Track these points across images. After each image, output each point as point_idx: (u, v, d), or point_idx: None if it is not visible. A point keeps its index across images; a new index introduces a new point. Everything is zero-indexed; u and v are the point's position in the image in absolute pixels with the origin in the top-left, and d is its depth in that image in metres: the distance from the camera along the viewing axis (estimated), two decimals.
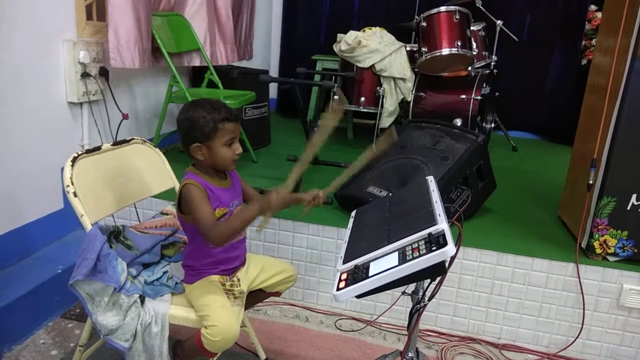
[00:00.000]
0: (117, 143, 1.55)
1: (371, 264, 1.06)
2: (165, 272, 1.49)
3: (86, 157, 1.40)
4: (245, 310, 1.50)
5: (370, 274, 1.02)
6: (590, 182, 1.89)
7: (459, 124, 3.01)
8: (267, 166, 2.88)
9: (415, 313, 1.22)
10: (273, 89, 4.24)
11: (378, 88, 3.21)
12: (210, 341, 1.28)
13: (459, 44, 3.09)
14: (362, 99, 3.25)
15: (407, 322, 1.25)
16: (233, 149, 1.35)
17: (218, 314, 1.31)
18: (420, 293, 1.22)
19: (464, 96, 3.10)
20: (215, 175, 1.39)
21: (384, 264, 1.03)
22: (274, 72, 4.60)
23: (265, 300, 1.66)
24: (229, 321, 1.30)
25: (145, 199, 1.65)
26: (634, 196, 1.84)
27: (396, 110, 3.26)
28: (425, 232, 1.04)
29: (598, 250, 1.91)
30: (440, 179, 2.03)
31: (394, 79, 3.20)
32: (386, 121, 3.23)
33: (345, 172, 1.45)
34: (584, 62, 3.94)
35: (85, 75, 2.19)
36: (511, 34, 3.49)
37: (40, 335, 1.83)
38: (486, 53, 3.44)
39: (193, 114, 1.31)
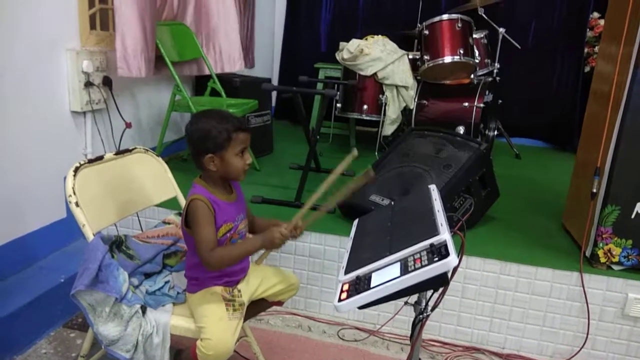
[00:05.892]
0: (119, 152, 1.55)
1: (373, 274, 1.06)
2: (167, 282, 1.49)
3: (88, 166, 1.41)
4: (247, 319, 1.50)
5: (372, 285, 1.02)
6: (594, 190, 1.89)
7: (461, 132, 3.02)
8: (269, 174, 2.88)
9: (418, 323, 1.21)
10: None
11: (380, 96, 3.21)
12: (204, 354, 1.28)
13: (462, 51, 3.10)
14: (365, 106, 3.26)
15: (410, 332, 1.24)
16: (244, 158, 1.35)
17: (214, 327, 1.31)
18: (423, 303, 1.21)
19: (466, 104, 3.10)
20: (222, 188, 1.39)
21: (386, 274, 1.02)
22: (276, 80, 4.61)
23: (268, 310, 1.66)
24: (223, 336, 1.29)
25: (148, 208, 1.65)
26: (638, 205, 1.83)
27: (399, 118, 3.26)
28: (427, 243, 1.04)
29: (602, 259, 1.89)
30: (443, 187, 2.02)
31: (397, 86, 3.20)
32: (388, 129, 3.23)
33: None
34: (586, 69, 3.94)
35: (88, 84, 2.20)
36: (514, 42, 3.50)
37: (42, 345, 1.83)
38: (489, 61, 3.45)
39: (205, 125, 1.31)
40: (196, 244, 1.30)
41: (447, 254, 0.97)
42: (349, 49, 3.23)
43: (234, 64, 3.10)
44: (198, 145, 1.33)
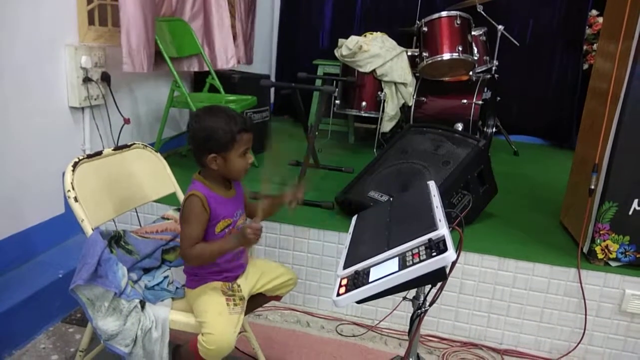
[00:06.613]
0: (118, 148, 1.55)
1: (371, 269, 1.06)
2: (165, 277, 1.49)
3: (87, 162, 1.41)
4: (246, 314, 1.50)
5: (370, 280, 1.02)
6: (592, 187, 1.89)
7: (460, 129, 3.02)
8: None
9: (416, 318, 1.21)
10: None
11: (379, 93, 3.21)
12: (205, 349, 1.28)
13: (460, 48, 3.10)
14: (364, 103, 3.26)
15: (408, 328, 1.25)
16: (246, 158, 1.35)
17: (215, 321, 1.31)
18: (421, 298, 1.22)
19: (465, 101, 3.10)
20: (221, 184, 1.39)
21: (385, 269, 1.03)
22: (274, 76, 4.61)
23: (266, 305, 1.66)
24: (224, 330, 1.30)
25: (146, 203, 1.65)
26: (636, 201, 1.84)
27: (397, 115, 3.26)
28: (425, 238, 1.04)
29: (600, 256, 1.90)
30: (442, 183, 2.03)
31: (395, 83, 3.20)
32: (387, 126, 3.24)
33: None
34: (585, 66, 3.94)
35: (87, 80, 2.20)
36: (512, 39, 3.50)
37: (40, 340, 1.83)
38: (487, 58, 3.45)
39: (210, 124, 1.30)
40: (180, 238, 1.33)
41: (445, 249, 0.98)
42: (347, 45, 3.23)
43: (226, 61, 3.10)
44: (202, 144, 1.32)
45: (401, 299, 1.23)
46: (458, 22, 3.11)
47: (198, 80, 3.25)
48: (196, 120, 1.33)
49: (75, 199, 1.31)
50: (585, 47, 3.94)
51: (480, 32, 3.39)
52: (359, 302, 1.04)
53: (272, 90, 4.10)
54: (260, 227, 1.27)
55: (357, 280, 1.05)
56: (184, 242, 1.32)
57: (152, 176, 1.63)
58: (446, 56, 3.11)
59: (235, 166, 1.33)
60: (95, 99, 2.27)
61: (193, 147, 1.35)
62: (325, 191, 2.44)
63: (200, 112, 1.35)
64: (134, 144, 1.61)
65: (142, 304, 1.36)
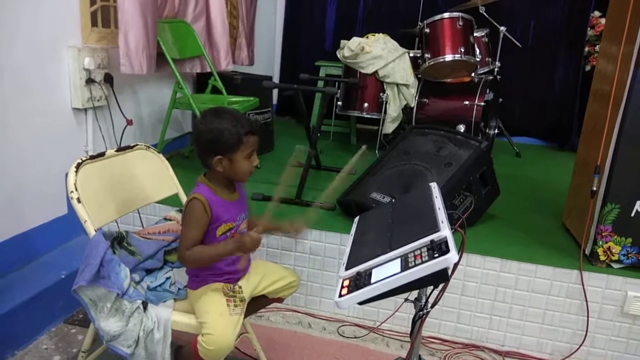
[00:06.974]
0: (121, 149, 1.56)
1: (373, 270, 1.06)
2: (168, 278, 1.50)
3: (90, 163, 1.41)
4: (248, 316, 1.50)
5: (372, 281, 1.02)
6: (594, 188, 1.89)
7: (462, 130, 3.02)
8: (270, 172, 2.87)
9: (418, 320, 1.21)
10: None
11: (381, 94, 3.22)
12: (205, 349, 1.28)
13: (462, 50, 3.10)
14: (366, 104, 3.26)
15: (410, 329, 1.25)
16: (251, 160, 1.35)
17: (215, 322, 1.31)
18: (423, 300, 1.22)
19: (467, 102, 3.10)
20: (225, 187, 1.39)
21: (386, 270, 1.03)
22: (277, 78, 4.62)
23: (268, 307, 1.66)
24: (224, 331, 1.30)
25: (149, 204, 1.65)
26: (638, 203, 1.84)
27: (399, 116, 3.26)
28: (427, 239, 1.04)
29: (602, 257, 1.90)
30: (444, 185, 2.03)
31: (397, 85, 3.21)
32: (389, 127, 3.24)
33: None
34: (587, 68, 3.94)
35: (90, 81, 2.21)
36: (514, 40, 3.50)
37: (43, 340, 1.83)
38: (489, 59, 3.45)
39: (217, 125, 1.29)
40: (179, 240, 1.35)
41: (447, 250, 0.98)
42: (350, 47, 3.23)
43: (228, 62, 3.10)
44: (208, 145, 1.31)
45: (403, 300, 1.23)
46: (460, 23, 3.11)
47: (200, 82, 3.26)
48: (203, 121, 1.33)
49: (78, 200, 1.32)
50: (587, 49, 3.94)
51: (483, 34, 3.40)
52: (360, 303, 1.03)
53: (275, 91, 4.11)
54: (260, 238, 1.30)
55: (359, 281, 1.05)
56: (182, 245, 1.33)
57: (154, 177, 1.64)
58: (448, 57, 3.11)
59: (240, 168, 1.33)
60: (98, 100, 2.27)
61: (198, 148, 1.35)
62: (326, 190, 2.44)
63: (206, 114, 1.34)
64: (137, 145, 1.62)
65: (145, 305, 1.36)
